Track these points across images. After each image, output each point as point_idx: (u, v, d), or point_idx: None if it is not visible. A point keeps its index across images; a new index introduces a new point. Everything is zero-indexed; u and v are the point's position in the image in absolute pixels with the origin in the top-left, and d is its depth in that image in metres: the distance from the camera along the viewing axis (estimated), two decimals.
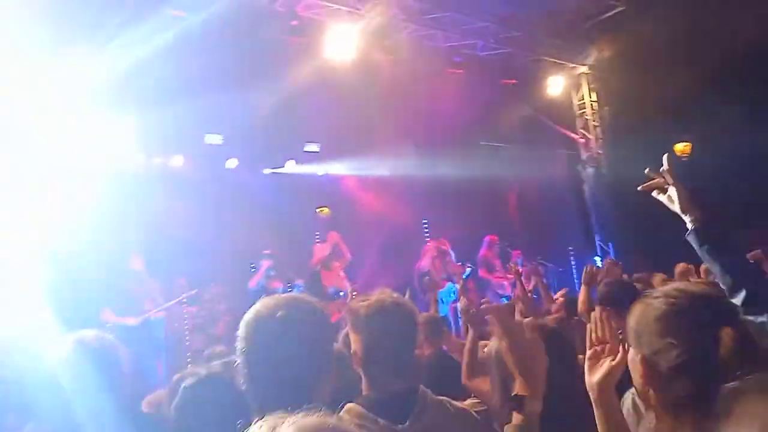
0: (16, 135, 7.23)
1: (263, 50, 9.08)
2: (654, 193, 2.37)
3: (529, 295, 7.31)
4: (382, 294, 2.23)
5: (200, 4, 7.99)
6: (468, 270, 9.08)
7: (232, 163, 9.77)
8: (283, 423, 0.91)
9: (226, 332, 7.83)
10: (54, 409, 2.51)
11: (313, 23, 9.46)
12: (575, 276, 9.78)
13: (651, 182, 2.35)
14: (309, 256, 8.76)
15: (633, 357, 1.50)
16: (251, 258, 8.63)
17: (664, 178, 2.33)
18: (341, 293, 8.23)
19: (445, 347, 4.51)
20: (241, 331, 1.68)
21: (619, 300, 3.37)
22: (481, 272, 9.10)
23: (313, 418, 0.92)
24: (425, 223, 10.15)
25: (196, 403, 2.19)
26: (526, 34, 10.30)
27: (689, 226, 2.27)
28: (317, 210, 9.59)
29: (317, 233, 9.29)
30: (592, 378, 1.68)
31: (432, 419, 2.01)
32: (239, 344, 1.67)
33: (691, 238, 2.27)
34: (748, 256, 3.22)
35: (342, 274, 8.64)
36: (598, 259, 9.71)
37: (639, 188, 2.40)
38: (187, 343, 7.79)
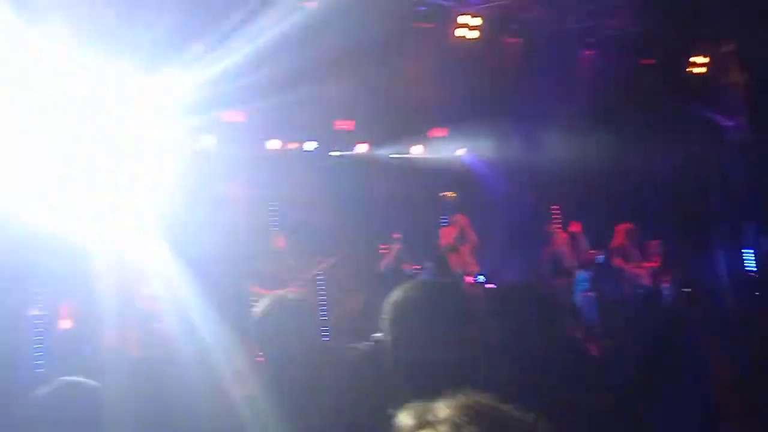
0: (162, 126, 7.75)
1: (390, 36, 9.20)
2: None
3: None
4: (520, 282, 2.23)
5: None
6: (601, 258, 8.75)
7: (361, 147, 10.01)
8: (434, 407, 0.91)
9: (358, 311, 8.07)
10: None
11: (440, 8, 9.46)
12: (722, 266, 9.13)
13: None
14: (436, 239, 8.80)
15: None
16: (381, 240, 8.80)
17: None
18: (469, 276, 8.21)
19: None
20: (389, 313, 1.70)
21: None
22: (616, 261, 8.71)
23: (469, 398, 0.90)
24: (556, 208, 9.87)
25: None
26: (666, 11, 9.69)
27: None
28: (443, 194, 9.62)
29: (443, 216, 9.31)
30: None
31: None
32: (386, 326, 1.70)
33: None
34: None
35: (469, 257, 8.61)
36: (749, 251, 9.00)
37: None
38: (325, 319, 8.13)
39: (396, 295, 1.73)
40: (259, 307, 2.33)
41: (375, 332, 2.15)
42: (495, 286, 2.05)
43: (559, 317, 2.29)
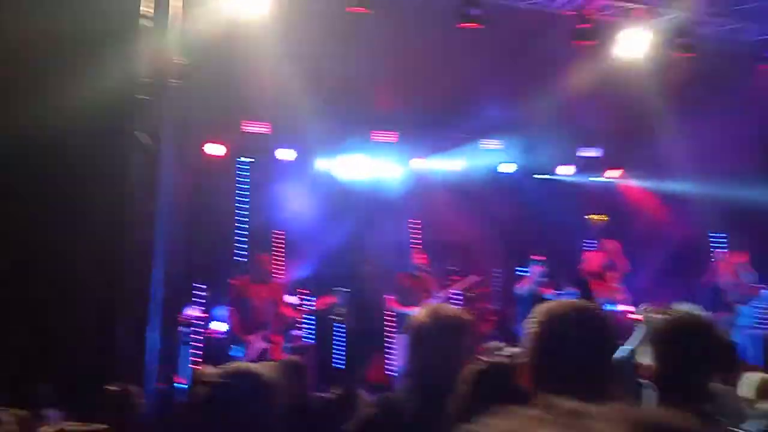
0: None
1: (545, 55, 9.08)
2: None
3: None
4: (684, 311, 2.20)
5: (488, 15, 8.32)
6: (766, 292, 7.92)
7: (507, 167, 9.96)
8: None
9: (491, 332, 8.05)
10: None
11: (601, 25, 9.15)
12: None
13: None
14: (579, 263, 8.53)
15: None
16: (521, 261, 8.71)
17: None
18: (612, 305, 7.84)
19: None
20: (534, 331, 1.71)
21: None
22: None
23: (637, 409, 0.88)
24: (720, 237, 9.10)
25: None
26: None
27: None
28: (589, 217, 9.28)
29: (588, 241, 8.98)
30: None
31: None
32: (531, 344, 1.71)
33: None
34: None
35: (616, 285, 8.23)
36: None
37: None
38: None
39: (548, 309, 1.74)
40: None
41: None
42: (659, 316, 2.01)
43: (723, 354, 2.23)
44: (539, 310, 1.74)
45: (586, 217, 8.75)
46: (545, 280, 8.23)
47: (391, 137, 9.29)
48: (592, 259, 8.60)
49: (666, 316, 2.06)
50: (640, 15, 9.10)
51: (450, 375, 2.10)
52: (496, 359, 2.42)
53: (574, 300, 1.86)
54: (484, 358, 2.57)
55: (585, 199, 9.73)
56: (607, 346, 1.73)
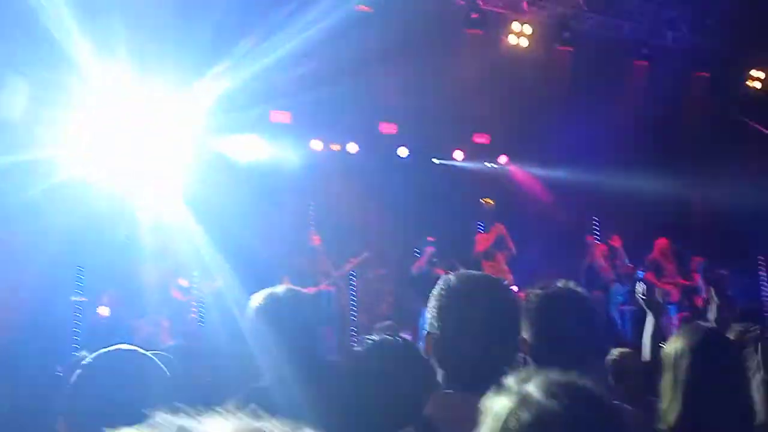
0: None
1: (441, 42, 9.28)
2: None
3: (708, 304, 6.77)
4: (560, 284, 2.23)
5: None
6: (641, 273, 8.58)
7: (402, 151, 10.10)
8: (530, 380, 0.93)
9: (388, 312, 8.18)
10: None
11: (492, 15, 9.47)
12: (766, 289, 8.80)
13: None
14: (472, 245, 8.82)
15: None
16: (416, 243, 8.88)
17: None
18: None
19: None
20: (437, 303, 1.68)
21: None
22: (647, 276, 8.53)
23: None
24: (595, 221, 9.72)
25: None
26: (723, 23, 9.42)
27: None
28: (481, 200, 9.61)
29: (480, 223, 9.32)
30: None
31: None
32: (434, 315, 1.69)
33: None
34: None
35: (504, 266, 8.59)
36: None
37: None
38: (354, 319, 8.27)
39: (446, 283, 1.71)
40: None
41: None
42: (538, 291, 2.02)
43: (597, 326, 2.26)
44: (445, 280, 1.72)
45: (479, 200, 9.02)
46: (438, 261, 8.42)
47: (285, 117, 9.15)
48: (482, 241, 8.91)
49: (538, 291, 2.05)
50: (524, 8, 9.53)
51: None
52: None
53: (481, 273, 1.83)
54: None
55: (477, 183, 10.05)
56: (512, 317, 1.72)
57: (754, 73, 9.90)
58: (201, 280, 7.42)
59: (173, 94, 7.55)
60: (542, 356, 1.97)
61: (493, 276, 1.79)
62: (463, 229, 9.22)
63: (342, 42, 8.08)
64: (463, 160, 10.38)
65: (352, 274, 8.56)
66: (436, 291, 1.71)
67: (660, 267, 8.62)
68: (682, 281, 8.59)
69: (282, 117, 9.10)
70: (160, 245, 7.48)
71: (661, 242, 8.79)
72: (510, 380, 0.97)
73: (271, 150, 9.08)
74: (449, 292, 1.67)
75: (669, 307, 8.16)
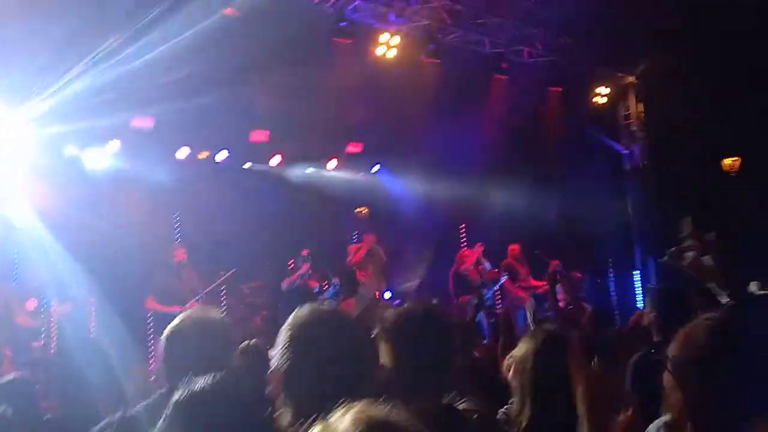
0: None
1: (312, 50, 9.22)
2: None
3: (562, 305, 7.28)
4: (415, 303, 2.25)
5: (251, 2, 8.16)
6: (504, 277, 9.05)
7: (275, 160, 9.94)
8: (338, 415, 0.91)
9: (263, 326, 7.98)
10: None
11: (361, 25, 9.57)
12: (613, 288, 9.65)
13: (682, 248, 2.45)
14: (346, 255, 8.86)
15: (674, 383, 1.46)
16: (291, 254, 8.76)
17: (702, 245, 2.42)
18: (376, 294, 8.30)
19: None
20: (285, 338, 1.67)
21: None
22: (506, 282, 9.07)
23: (373, 407, 0.91)
24: (462, 229, 10.14)
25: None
26: (574, 42, 10.20)
27: (722, 300, 2.32)
28: (356, 210, 9.68)
29: (355, 233, 9.38)
30: None
31: None
32: (282, 351, 1.66)
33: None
34: None
35: (378, 275, 8.71)
36: (637, 272, 9.55)
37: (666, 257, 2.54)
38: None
39: (292, 318, 1.70)
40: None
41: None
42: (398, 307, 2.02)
43: (455, 340, 2.26)
44: (291, 319, 1.71)
45: (354, 210, 9.07)
46: (311, 273, 8.37)
47: (147, 122, 8.67)
48: (354, 252, 8.97)
49: (391, 313, 2.08)
50: (391, 19, 9.75)
51: None
52: None
53: (326, 306, 1.81)
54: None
55: (351, 192, 10.11)
56: (355, 350, 1.70)
57: (599, 89, 10.80)
58: (53, 302, 6.80)
59: (21, 99, 6.89)
60: (403, 381, 1.98)
61: (339, 311, 1.79)
62: (337, 239, 9.24)
63: (211, 48, 7.79)
64: (337, 168, 10.40)
65: (222, 290, 8.26)
66: (283, 328, 1.69)
67: (513, 272, 9.17)
68: (534, 283, 9.19)
69: (145, 123, 8.60)
70: (5, 263, 6.80)
71: (513, 247, 9.35)
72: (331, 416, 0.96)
73: (133, 159, 8.57)
74: (294, 330, 1.67)
75: (519, 311, 8.68)
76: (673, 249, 6.25)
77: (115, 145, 8.47)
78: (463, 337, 4.87)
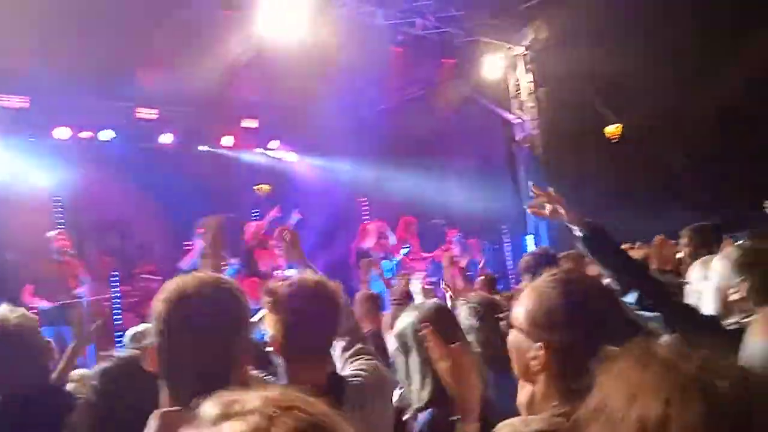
0: None
1: (197, 23, 8.83)
2: (531, 211, 2.60)
3: (463, 273, 7.47)
4: (305, 275, 2.22)
5: None
6: (406, 249, 9.18)
7: (166, 138, 9.51)
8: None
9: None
10: None
11: None
12: (509, 254, 10.03)
13: (537, 200, 2.59)
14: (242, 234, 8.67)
15: (522, 342, 1.48)
16: (185, 237, 8.46)
17: (546, 197, 2.57)
18: (277, 272, 8.18)
19: None
20: (159, 310, 1.56)
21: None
22: (404, 259, 9.22)
23: (279, 392, 0.85)
24: (365, 203, 10.18)
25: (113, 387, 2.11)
26: (464, 14, 10.35)
27: (578, 234, 2.46)
28: (255, 187, 9.48)
29: (256, 211, 9.19)
30: None
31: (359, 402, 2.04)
32: (156, 324, 1.56)
33: (581, 246, 2.48)
34: (631, 253, 3.48)
35: (278, 252, 8.57)
36: (530, 237, 9.97)
37: (527, 208, 2.66)
38: (120, 323, 7.58)
39: (167, 289, 1.58)
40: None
41: None
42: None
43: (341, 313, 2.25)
44: (166, 287, 1.60)
45: (253, 187, 8.87)
46: (209, 252, 8.12)
47: (23, 102, 8.06)
48: (253, 229, 8.78)
49: (282, 285, 2.06)
50: None
51: None
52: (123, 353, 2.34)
53: (202, 275, 1.71)
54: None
55: (248, 170, 9.88)
56: (235, 321, 1.63)
57: (490, 60, 11.04)
58: None
59: None
60: (291, 350, 1.99)
61: (214, 276, 1.70)
62: (237, 218, 9.02)
63: (93, 20, 7.28)
64: (233, 146, 10.11)
65: (113, 275, 7.86)
66: (157, 299, 1.58)
67: (406, 242, 9.31)
68: (426, 255, 9.38)
69: (18, 102, 7.98)
70: None
71: (405, 219, 9.49)
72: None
73: (5, 140, 7.94)
74: (167, 299, 1.56)
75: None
76: None
77: None
78: (373, 306, 4.96)
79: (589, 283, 1.57)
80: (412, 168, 9.94)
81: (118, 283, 7.79)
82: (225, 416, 0.82)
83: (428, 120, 10.61)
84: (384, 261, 8.67)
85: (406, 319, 2.37)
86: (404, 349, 2.31)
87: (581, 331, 1.39)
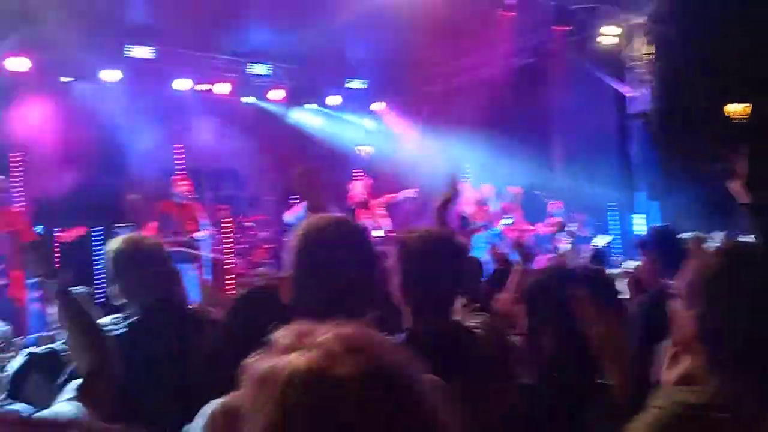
0: None
1: None
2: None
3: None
4: (430, 229, 2.23)
5: None
6: (509, 219, 9.05)
7: (277, 94, 9.75)
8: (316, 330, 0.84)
9: (264, 259, 7.99)
10: None
11: None
12: (614, 231, 9.68)
13: None
14: (346, 192, 8.81)
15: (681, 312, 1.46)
16: (292, 191, 8.69)
17: None
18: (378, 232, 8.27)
19: None
20: (295, 244, 1.65)
21: None
22: (505, 231, 9.07)
23: (350, 327, 0.84)
24: (468, 168, 10.07)
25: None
26: None
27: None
28: (358, 148, 9.58)
29: (358, 171, 9.30)
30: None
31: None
32: (292, 258, 1.64)
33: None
34: None
35: (381, 212, 8.67)
36: (639, 216, 9.57)
37: None
38: (231, 266, 7.96)
39: (308, 223, 1.69)
40: None
41: None
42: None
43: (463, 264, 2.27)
44: (301, 224, 1.70)
45: (356, 148, 8.98)
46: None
47: (149, 54, 8.46)
48: (356, 189, 8.90)
49: (412, 235, 2.08)
50: None
51: None
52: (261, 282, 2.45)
53: (337, 215, 1.79)
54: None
55: (354, 130, 9.99)
56: (366, 261, 1.70)
57: (606, 30, 10.57)
58: None
59: None
60: (416, 299, 2.03)
61: (345, 217, 1.78)
62: (341, 175, 9.16)
63: None
64: (340, 105, 10.23)
65: (226, 221, 8.21)
66: (294, 234, 1.68)
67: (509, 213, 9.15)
68: (529, 227, 9.21)
69: (144, 52, 8.39)
70: None
71: (511, 189, 9.32)
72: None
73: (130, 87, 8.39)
74: (303, 234, 1.65)
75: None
76: None
77: (112, 73, 8.28)
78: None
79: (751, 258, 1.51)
80: (517, 139, 9.74)
81: (230, 230, 8.15)
82: (294, 347, 0.81)
83: (535, 90, 10.34)
84: (484, 230, 8.61)
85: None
86: None
87: (740, 304, 1.36)
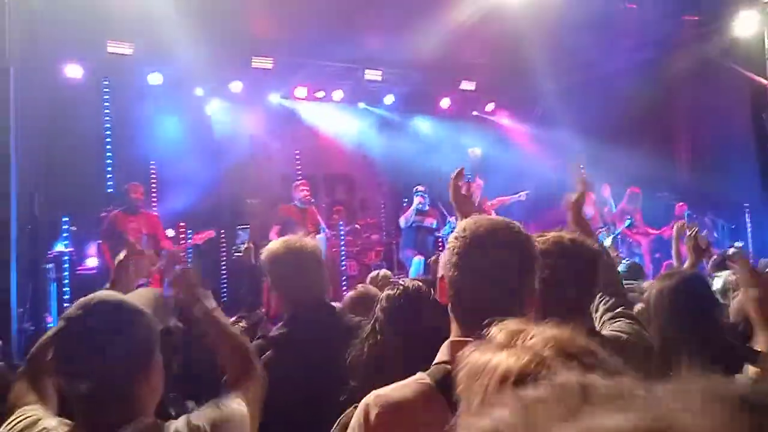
0: None
1: None
2: None
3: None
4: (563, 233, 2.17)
5: None
6: (629, 221, 8.64)
7: (388, 99, 9.91)
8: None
9: (377, 262, 8.14)
10: None
11: None
12: (749, 234, 8.92)
13: None
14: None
15: None
16: (404, 194, 8.81)
17: None
18: None
19: None
20: (454, 245, 1.62)
21: None
22: (626, 231, 8.63)
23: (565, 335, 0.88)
24: (583, 169, 9.69)
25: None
26: None
27: None
28: (470, 150, 9.52)
29: (468, 173, 9.22)
30: None
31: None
32: (450, 259, 1.62)
33: None
34: None
35: (492, 214, 8.56)
36: None
37: None
38: (343, 268, 8.20)
39: (469, 223, 1.63)
40: None
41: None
42: None
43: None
44: (462, 224, 1.66)
45: (468, 150, 8.93)
46: (427, 209, 8.38)
47: (267, 63, 8.89)
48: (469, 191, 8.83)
49: (538, 241, 1.98)
50: None
51: None
52: (407, 282, 2.42)
53: (497, 217, 1.76)
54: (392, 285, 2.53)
55: (464, 132, 9.94)
56: (526, 264, 1.64)
57: (741, 16, 9.75)
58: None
59: None
60: (545, 306, 1.84)
61: (506, 219, 1.72)
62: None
63: None
64: (450, 108, 10.22)
65: (341, 224, 8.47)
66: (453, 235, 1.65)
67: (629, 214, 8.72)
68: (652, 231, 8.72)
69: (264, 63, 8.83)
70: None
71: (630, 191, 8.85)
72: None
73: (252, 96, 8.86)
74: (463, 236, 1.61)
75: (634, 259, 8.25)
76: None
77: (236, 85, 8.80)
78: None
79: None
80: (639, 137, 9.24)
81: (343, 234, 8.39)
82: (506, 345, 0.84)
83: (662, 85, 9.75)
84: (602, 232, 8.26)
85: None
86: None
87: None
